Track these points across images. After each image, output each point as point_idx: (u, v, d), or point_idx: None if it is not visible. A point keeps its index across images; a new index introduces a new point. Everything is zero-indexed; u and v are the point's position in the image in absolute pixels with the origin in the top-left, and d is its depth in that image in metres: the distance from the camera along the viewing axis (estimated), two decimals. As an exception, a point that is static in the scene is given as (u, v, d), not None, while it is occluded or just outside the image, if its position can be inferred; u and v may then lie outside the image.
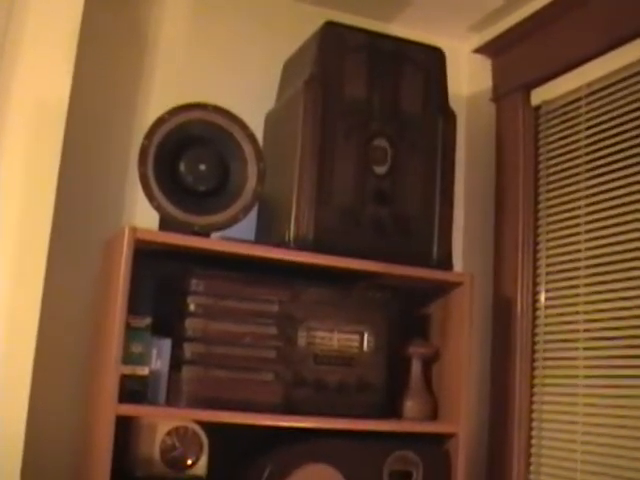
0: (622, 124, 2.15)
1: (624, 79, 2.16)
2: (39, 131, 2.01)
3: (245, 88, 2.49)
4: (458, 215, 2.66)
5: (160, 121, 1.98)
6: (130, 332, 1.89)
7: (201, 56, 2.49)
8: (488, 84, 2.66)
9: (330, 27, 2.19)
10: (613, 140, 2.17)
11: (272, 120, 2.36)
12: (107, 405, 1.80)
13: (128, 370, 1.89)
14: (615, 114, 2.18)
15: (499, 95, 2.58)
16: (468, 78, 2.84)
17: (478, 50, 2.67)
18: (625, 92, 2.16)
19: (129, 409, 1.84)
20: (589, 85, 2.28)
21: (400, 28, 2.74)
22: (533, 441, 2.31)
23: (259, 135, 2.26)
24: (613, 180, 2.15)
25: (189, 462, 2.01)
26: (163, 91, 2.41)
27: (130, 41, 2.42)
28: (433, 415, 2.22)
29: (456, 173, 2.38)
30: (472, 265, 2.62)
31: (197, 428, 2.03)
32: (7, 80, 2.00)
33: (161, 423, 1.99)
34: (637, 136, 2.09)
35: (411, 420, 2.19)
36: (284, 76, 2.42)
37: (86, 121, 2.29)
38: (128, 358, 1.89)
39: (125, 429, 1.96)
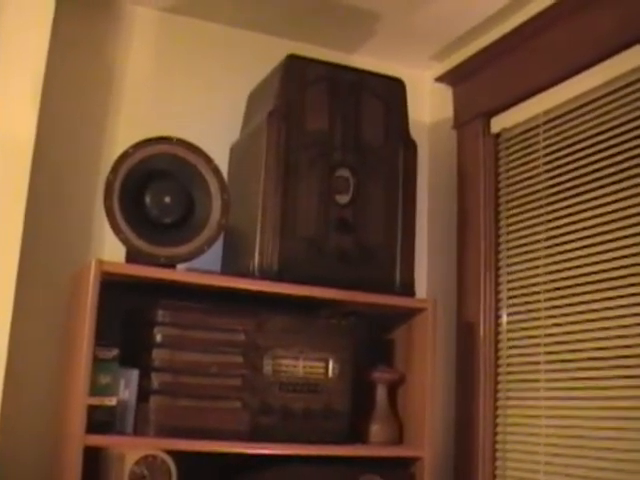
0: (578, 151, 2.21)
1: (579, 107, 2.23)
2: (6, 167, 2.04)
3: (211, 120, 2.53)
4: (422, 241, 2.72)
5: (125, 155, 2.01)
6: (98, 363, 1.92)
7: (166, 90, 2.53)
8: (450, 112, 2.71)
9: (292, 60, 2.24)
10: (570, 166, 2.23)
11: (237, 151, 2.40)
12: (75, 436, 1.82)
13: (96, 401, 1.91)
14: (571, 141, 2.24)
15: (460, 123, 2.64)
16: (431, 106, 2.90)
17: (440, 79, 2.73)
18: (580, 120, 2.22)
19: (97, 440, 1.86)
20: (546, 113, 2.34)
21: (363, 58, 2.80)
22: (497, 463, 2.35)
23: (224, 166, 2.30)
24: (571, 205, 2.20)
25: (158, 491, 2.03)
26: (129, 125, 2.44)
27: (96, 76, 2.45)
28: (399, 439, 2.26)
29: (420, 199, 2.43)
30: (436, 290, 2.67)
31: (166, 457, 2.04)
32: (-26, 118, 2.04)
33: (129, 453, 2.00)
34: (593, 162, 2.15)
35: (377, 445, 2.22)
36: (248, 108, 2.46)
37: (53, 156, 2.32)
38: (96, 389, 1.91)
39: (94, 459, 1.98)
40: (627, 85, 2.07)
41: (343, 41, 2.74)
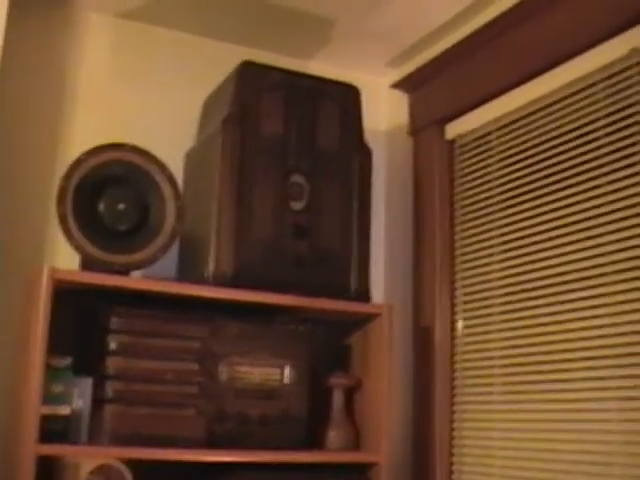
0: (530, 157, 2.23)
1: (530, 114, 2.26)
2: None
3: (166, 126, 2.52)
4: (379, 247, 2.73)
5: (78, 162, 2.00)
6: (50, 372, 1.90)
7: (121, 96, 2.51)
8: (406, 118, 2.73)
9: (247, 66, 2.23)
10: (522, 172, 2.25)
11: (192, 158, 2.40)
12: (27, 445, 1.80)
13: (49, 410, 1.90)
14: (523, 147, 2.26)
15: (415, 129, 2.66)
16: (387, 113, 2.91)
17: (395, 85, 2.74)
18: (531, 126, 2.25)
19: (50, 449, 1.84)
20: (498, 119, 2.36)
21: (319, 65, 2.81)
22: (454, 467, 2.36)
23: (180, 173, 2.30)
24: (523, 210, 2.23)
25: (114, 501, 2.02)
26: (84, 132, 2.43)
27: (50, 82, 2.43)
28: (355, 445, 2.26)
29: (377, 205, 2.45)
30: (393, 296, 2.68)
31: (121, 466, 2.02)
32: None
33: (84, 462, 1.98)
34: (543, 168, 2.17)
35: (334, 450, 2.22)
36: (204, 114, 2.46)
37: (7, 162, 2.30)
38: (49, 398, 1.90)
39: (48, 470, 1.96)
40: (574, 93, 2.10)
41: (299, 48, 2.75)
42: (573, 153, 2.08)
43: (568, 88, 2.12)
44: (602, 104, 2.01)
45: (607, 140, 1.98)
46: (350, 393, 2.33)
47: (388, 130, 2.89)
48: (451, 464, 2.37)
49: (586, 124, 2.05)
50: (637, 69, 1.92)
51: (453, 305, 2.45)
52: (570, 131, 2.10)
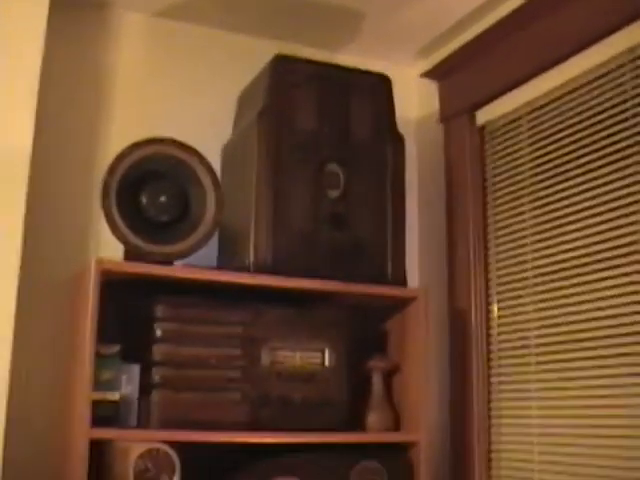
0: (560, 139, 2.28)
1: (559, 97, 2.30)
2: (5, 172, 2.10)
3: (202, 121, 2.60)
4: (413, 233, 2.79)
5: (120, 157, 2.07)
6: (100, 359, 1.97)
7: (158, 92, 2.59)
8: (436, 107, 2.78)
9: (280, 60, 2.29)
10: (553, 155, 2.29)
11: (229, 151, 2.46)
12: (80, 430, 1.88)
13: (99, 396, 1.97)
14: (553, 130, 2.31)
15: (446, 117, 2.70)
16: (417, 102, 2.96)
17: (425, 74, 2.79)
18: (561, 109, 2.29)
19: (102, 433, 1.92)
20: (528, 104, 2.41)
21: (350, 57, 2.87)
22: (492, 446, 2.41)
23: (217, 166, 2.36)
24: (555, 193, 2.27)
25: (163, 483, 2.08)
26: (122, 128, 2.51)
27: (89, 81, 2.52)
28: (395, 426, 2.31)
29: (410, 192, 2.50)
30: (428, 281, 2.73)
31: (168, 449, 2.08)
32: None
33: (133, 447, 2.04)
34: (574, 150, 2.22)
35: (374, 432, 2.28)
36: (239, 108, 2.52)
37: (50, 160, 2.38)
38: (99, 384, 1.97)
39: (99, 454, 2.03)
40: (602, 75, 2.14)
41: (329, 40, 2.80)
42: (602, 134, 2.12)
43: (595, 72, 2.16)
44: (629, 85, 2.04)
45: (635, 121, 2.01)
46: (388, 376, 2.38)
47: (419, 118, 2.94)
48: (489, 443, 2.42)
49: (613, 106, 2.09)
50: (664, 50, 1.96)
51: (487, 288, 2.50)
52: (598, 113, 2.14)
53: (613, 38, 2.08)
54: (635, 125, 2.01)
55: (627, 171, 2.03)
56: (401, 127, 2.41)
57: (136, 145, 2.09)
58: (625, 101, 2.05)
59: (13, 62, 2.16)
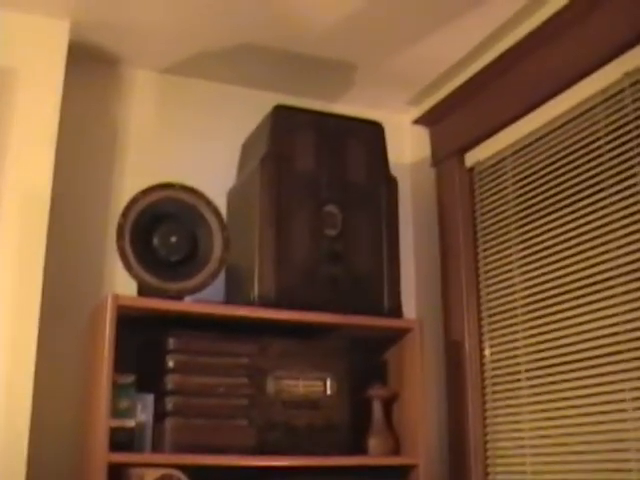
0: (542, 176, 2.43)
1: (540, 138, 2.46)
2: (26, 215, 2.27)
3: (208, 167, 2.77)
4: (409, 268, 2.94)
5: (134, 200, 2.23)
6: (117, 389, 2.12)
7: (167, 142, 2.77)
8: (428, 151, 2.95)
9: (280, 109, 2.47)
10: (536, 192, 2.45)
11: (234, 195, 2.63)
12: (99, 454, 2.01)
13: (116, 423, 2.10)
14: (535, 168, 2.47)
15: (437, 160, 2.87)
16: (410, 147, 3.14)
17: (417, 121, 2.97)
18: (542, 149, 2.45)
19: (119, 457, 2.05)
20: (512, 145, 2.58)
21: (345, 106, 3.05)
22: (489, 468, 2.53)
23: (223, 210, 2.52)
24: (538, 227, 2.42)
25: (176, 508, 2.19)
26: (134, 173, 2.69)
27: (104, 132, 2.70)
28: (395, 450, 2.43)
29: (406, 231, 2.66)
30: (424, 313, 2.87)
31: (181, 475, 2.21)
32: (-2, 173, 2.29)
33: (147, 473, 2.14)
34: (555, 186, 2.37)
35: (376, 456, 2.40)
36: (243, 156, 2.69)
37: (67, 204, 2.55)
38: (116, 412, 2.11)
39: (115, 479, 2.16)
40: (578, 116, 2.31)
41: (325, 91, 2.99)
42: (579, 170, 2.28)
43: (571, 112, 2.33)
44: (602, 124, 2.21)
45: (608, 156, 2.18)
46: (388, 403, 2.51)
47: (412, 163, 3.11)
48: (486, 465, 2.54)
49: (589, 144, 2.26)
50: (630, 91, 2.12)
51: (480, 319, 2.64)
52: (575, 151, 2.31)
53: (587, 81, 2.25)
54: (609, 160, 2.17)
55: (603, 203, 2.18)
56: (396, 170, 2.57)
57: (148, 190, 2.26)
58: (599, 139, 2.22)
59: (35, 115, 2.36)
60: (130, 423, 2.16)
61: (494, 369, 2.57)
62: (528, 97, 2.44)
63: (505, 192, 2.60)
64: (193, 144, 2.81)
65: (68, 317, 2.46)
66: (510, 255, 2.54)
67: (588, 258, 2.23)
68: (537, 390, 2.37)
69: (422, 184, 3.01)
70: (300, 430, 2.27)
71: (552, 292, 2.35)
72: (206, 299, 2.33)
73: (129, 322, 2.18)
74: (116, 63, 2.77)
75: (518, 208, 2.53)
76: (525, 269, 2.47)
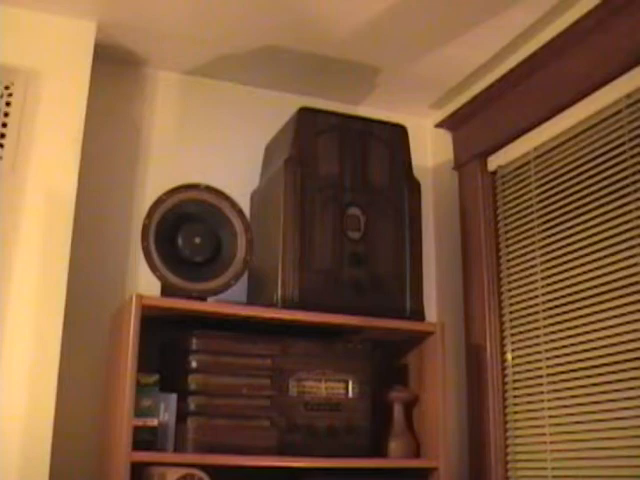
0: (566, 181, 2.44)
1: (564, 142, 2.46)
2: (51, 216, 2.30)
3: (232, 169, 2.79)
4: (431, 271, 2.94)
5: (159, 201, 2.25)
6: (140, 388, 2.13)
7: (191, 144, 2.79)
8: (450, 154, 2.95)
9: (304, 112, 2.48)
10: (559, 196, 2.45)
11: (257, 197, 2.64)
12: (122, 453, 2.02)
13: (139, 422, 2.11)
14: (559, 173, 2.47)
15: (460, 164, 2.88)
16: (432, 150, 3.15)
17: (439, 125, 2.98)
18: (565, 153, 2.45)
19: (142, 456, 2.06)
20: (536, 149, 2.58)
21: (369, 109, 3.06)
22: (509, 472, 2.53)
23: (246, 212, 2.53)
24: (562, 231, 2.43)
25: (198, 507, 2.21)
26: (158, 175, 2.71)
27: (128, 133, 2.73)
28: (416, 454, 2.43)
29: (428, 234, 2.66)
30: (446, 316, 2.87)
31: (203, 475, 2.22)
32: (23, 173, 2.31)
33: (170, 472, 2.15)
34: (578, 191, 2.37)
35: (396, 458, 2.41)
36: (266, 157, 2.71)
37: (92, 205, 2.57)
38: (139, 411, 2.12)
39: (137, 479, 2.17)
40: (602, 121, 2.31)
41: (349, 94, 3.00)
42: (603, 175, 2.28)
43: (595, 117, 2.33)
44: (626, 129, 2.21)
45: (633, 161, 2.17)
46: (409, 406, 2.51)
47: (434, 167, 3.12)
48: (506, 470, 2.54)
49: (612, 149, 2.26)
50: (656, 96, 2.13)
51: (501, 322, 2.64)
52: (599, 156, 2.31)
53: (611, 86, 2.25)
54: (633, 165, 2.17)
55: (626, 209, 2.18)
56: (418, 173, 2.57)
57: (172, 191, 2.27)
58: (623, 144, 2.22)
59: (60, 117, 2.38)
60: (153, 422, 2.16)
61: (515, 373, 2.57)
62: (551, 101, 2.44)
63: (528, 196, 2.60)
64: (217, 146, 2.83)
65: (92, 317, 2.48)
66: (532, 259, 2.55)
67: (611, 263, 2.23)
68: (558, 395, 2.37)
69: (444, 187, 3.02)
70: (321, 432, 2.28)
71: (574, 297, 2.35)
72: (229, 300, 2.34)
73: (152, 322, 2.20)
74: (141, 65, 2.79)
75: (541, 212, 2.53)
76: (547, 273, 2.47)
